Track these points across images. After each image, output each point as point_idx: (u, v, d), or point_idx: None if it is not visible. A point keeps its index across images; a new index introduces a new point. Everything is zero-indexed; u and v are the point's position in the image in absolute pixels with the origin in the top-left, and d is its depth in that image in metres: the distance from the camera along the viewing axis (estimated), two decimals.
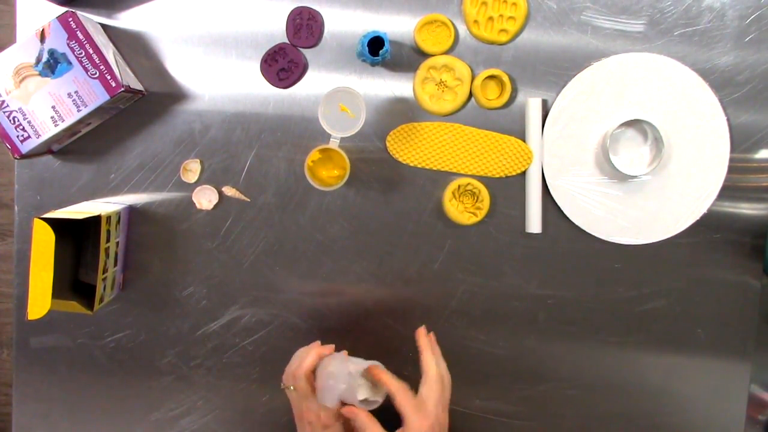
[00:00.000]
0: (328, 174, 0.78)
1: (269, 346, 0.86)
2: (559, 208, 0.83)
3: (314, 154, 0.76)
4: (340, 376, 0.66)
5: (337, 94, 0.74)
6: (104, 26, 0.81)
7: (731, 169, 0.82)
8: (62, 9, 0.77)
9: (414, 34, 0.81)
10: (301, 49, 0.82)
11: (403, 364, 0.87)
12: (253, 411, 0.88)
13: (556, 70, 0.82)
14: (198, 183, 0.84)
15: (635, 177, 0.81)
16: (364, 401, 0.68)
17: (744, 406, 0.87)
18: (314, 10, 0.81)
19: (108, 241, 0.77)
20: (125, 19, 0.82)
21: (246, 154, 0.83)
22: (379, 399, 0.69)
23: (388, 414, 0.68)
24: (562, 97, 0.82)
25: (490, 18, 0.80)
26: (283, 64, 0.81)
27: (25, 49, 0.74)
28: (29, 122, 0.75)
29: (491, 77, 0.81)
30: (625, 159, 0.82)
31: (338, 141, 0.75)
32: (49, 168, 0.83)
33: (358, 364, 0.68)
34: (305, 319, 0.86)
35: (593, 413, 0.89)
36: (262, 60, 0.82)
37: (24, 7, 0.81)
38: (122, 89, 0.75)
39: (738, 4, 0.81)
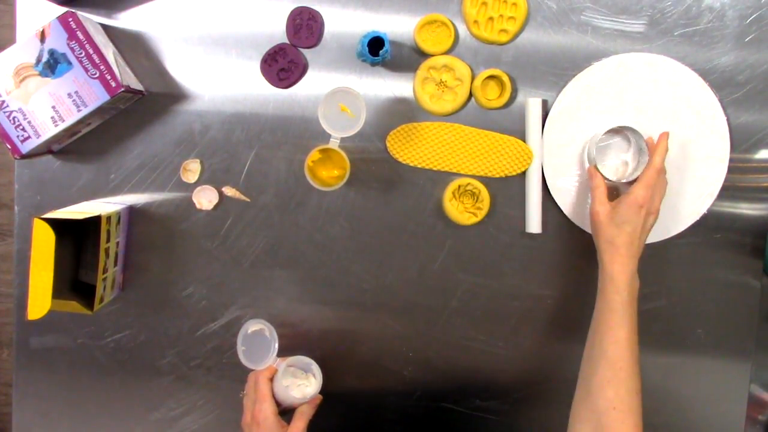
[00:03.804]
0: (328, 174, 0.78)
1: None
2: (559, 208, 0.83)
3: (314, 154, 0.76)
4: (282, 374, 0.75)
5: (337, 94, 0.74)
6: (104, 26, 0.81)
7: (731, 169, 0.82)
8: (62, 9, 0.77)
9: (414, 34, 0.81)
10: (301, 49, 0.82)
11: (404, 364, 0.87)
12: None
13: (556, 70, 0.82)
14: (198, 183, 0.84)
15: (619, 183, 0.81)
16: (299, 389, 0.76)
17: (744, 406, 0.87)
18: (314, 10, 0.81)
19: (108, 241, 0.77)
20: (125, 19, 0.82)
21: (246, 154, 0.83)
22: (306, 383, 0.77)
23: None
24: (562, 97, 0.82)
25: (490, 18, 0.80)
26: (283, 64, 0.81)
27: (25, 49, 0.74)
28: (29, 122, 0.75)
29: (491, 77, 0.81)
30: (611, 165, 0.82)
31: (338, 141, 0.75)
32: (49, 168, 0.83)
33: (292, 362, 0.77)
34: (305, 319, 0.86)
35: None
36: (262, 60, 0.82)
37: (24, 7, 0.81)
38: (122, 89, 0.75)
39: (738, 4, 0.81)
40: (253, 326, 0.76)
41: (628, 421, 0.66)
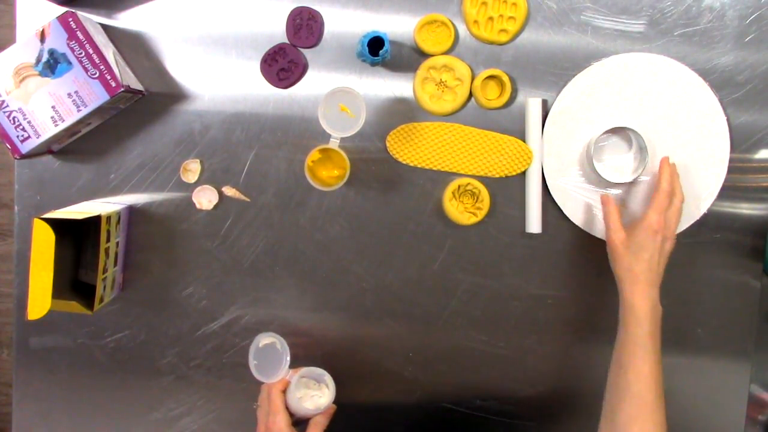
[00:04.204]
0: (328, 174, 0.78)
1: None
2: (559, 208, 0.83)
3: (314, 154, 0.76)
4: (295, 386, 0.75)
5: (337, 94, 0.74)
6: (104, 26, 0.81)
7: (731, 169, 0.82)
8: (62, 9, 0.77)
9: (414, 34, 0.81)
10: (301, 49, 0.82)
11: (404, 364, 0.87)
12: (253, 411, 0.88)
13: (556, 70, 0.82)
14: (198, 183, 0.84)
15: (620, 184, 0.81)
16: (312, 400, 0.76)
17: (744, 406, 0.87)
18: (314, 10, 0.81)
19: (108, 241, 0.77)
20: (125, 19, 0.82)
21: (246, 154, 0.83)
22: (319, 393, 0.76)
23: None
24: (562, 97, 0.82)
25: (490, 18, 0.80)
26: (283, 64, 0.81)
27: (25, 49, 0.74)
28: (29, 122, 0.75)
29: (491, 77, 0.81)
30: (610, 165, 0.82)
31: (338, 141, 0.75)
32: (49, 168, 0.83)
33: (305, 373, 0.77)
34: (305, 320, 0.86)
35: (593, 413, 0.88)
36: (262, 60, 0.82)
37: (24, 7, 0.81)
38: (122, 89, 0.75)
39: (738, 4, 0.81)
40: (264, 340, 0.77)
41: None
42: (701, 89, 0.81)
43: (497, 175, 0.83)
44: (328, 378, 0.76)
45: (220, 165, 0.83)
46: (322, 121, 0.74)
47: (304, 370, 0.76)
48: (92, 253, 0.82)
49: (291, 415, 0.74)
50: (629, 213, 0.83)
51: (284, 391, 0.75)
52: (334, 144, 0.75)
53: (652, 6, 0.81)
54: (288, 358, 0.75)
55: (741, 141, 0.83)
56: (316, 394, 0.76)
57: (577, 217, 0.83)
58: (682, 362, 0.87)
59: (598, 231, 0.84)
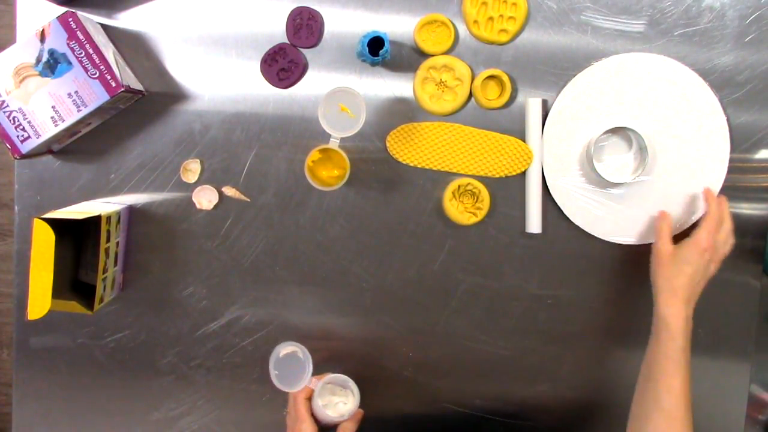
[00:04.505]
0: (328, 174, 0.78)
1: (269, 346, 0.86)
2: (559, 208, 0.83)
3: (314, 154, 0.76)
4: (318, 393, 0.75)
5: (337, 94, 0.74)
6: (104, 26, 0.81)
7: (731, 169, 0.82)
8: (62, 9, 0.77)
9: (414, 34, 0.81)
10: (301, 49, 0.82)
11: (404, 364, 0.87)
12: (253, 411, 0.88)
13: (556, 70, 0.82)
14: (198, 183, 0.84)
15: (620, 184, 0.81)
16: (334, 408, 0.77)
17: (744, 406, 0.87)
18: (314, 10, 0.81)
19: (108, 241, 0.77)
20: (125, 19, 0.82)
21: (246, 154, 0.83)
22: (344, 400, 0.77)
23: None
24: (562, 97, 0.82)
25: (490, 18, 0.80)
26: (283, 64, 0.81)
27: (25, 49, 0.74)
28: (29, 122, 0.75)
29: (491, 77, 0.81)
30: (611, 165, 0.82)
31: (338, 141, 0.75)
32: (49, 168, 0.83)
33: (329, 380, 0.77)
34: (305, 320, 0.86)
35: (593, 413, 0.89)
36: (262, 60, 0.82)
37: (24, 7, 0.81)
38: (122, 89, 0.75)
39: (738, 4, 0.81)
40: (284, 349, 0.77)
41: None
42: (701, 89, 0.81)
43: (497, 175, 0.83)
44: (352, 384, 0.77)
45: (220, 165, 0.83)
46: (322, 121, 0.74)
47: (329, 377, 0.76)
48: (92, 253, 0.82)
49: (317, 422, 0.75)
50: (630, 214, 0.83)
51: (310, 399, 0.76)
52: (334, 144, 0.75)
53: (652, 6, 0.81)
54: (311, 367, 0.75)
55: (741, 141, 0.83)
56: (341, 401, 0.76)
57: (577, 217, 0.83)
58: None
59: (598, 231, 0.84)
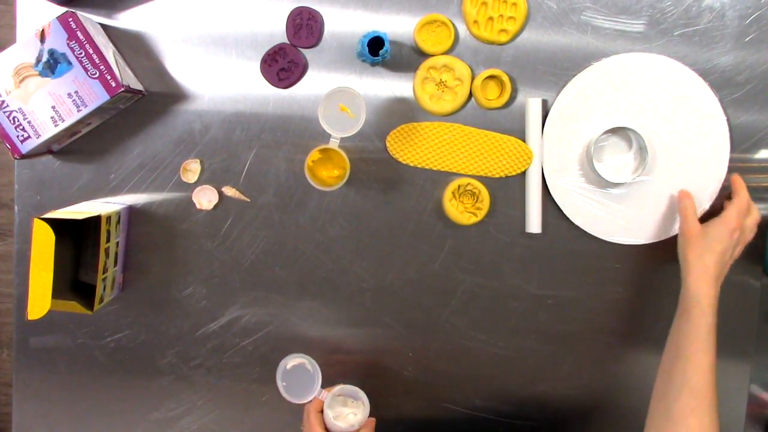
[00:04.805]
0: (328, 174, 0.78)
1: (269, 346, 0.86)
2: (559, 208, 0.83)
3: (314, 154, 0.76)
4: (328, 405, 0.75)
5: (337, 94, 0.74)
6: (104, 26, 0.81)
7: (731, 169, 0.82)
8: (62, 9, 0.77)
9: (414, 34, 0.81)
10: (301, 49, 0.82)
11: (404, 364, 0.87)
12: (253, 411, 0.88)
13: (556, 70, 0.82)
14: (198, 183, 0.84)
15: (620, 184, 0.81)
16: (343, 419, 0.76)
17: (744, 406, 0.87)
18: (314, 10, 0.81)
19: (108, 241, 0.77)
20: (125, 19, 0.82)
21: (246, 154, 0.83)
22: (355, 411, 0.76)
23: None
24: (562, 97, 0.82)
25: (490, 18, 0.80)
26: (283, 64, 0.81)
27: (25, 49, 0.74)
28: (29, 122, 0.75)
29: (491, 77, 0.81)
30: (610, 165, 0.82)
31: (338, 141, 0.75)
32: (49, 168, 0.83)
33: (338, 391, 0.77)
34: (305, 320, 0.86)
35: (593, 413, 0.89)
36: (262, 60, 0.82)
37: (24, 7, 0.81)
38: (122, 89, 0.75)
39: (738, 4, 0.81)
40: (292, 361, 0.77)
41: None
42: (701, 89, 0.81)
43: (497, 175, 0.83)
44: (362, 394, 0.76)
45: (220, 165, 0.83)
46: (322, 121, 0.74)
47: (338, 388, 0.76)
48: (92, 253, 0.82)
49: None
50: (630, 214, 0.83)
51: (322, 411, 0.76)
52: (334, 144, 0.75)
53: (652, 6, 0.81)
54: (320, 379, 0.76)
55: (741, 141, 0.83)
56: (352, 412, 0.76)
57: (577, 217, 0.83)
58: None
59: (598, 231, 0.84)
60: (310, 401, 0.76)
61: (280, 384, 0.76)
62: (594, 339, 0.87)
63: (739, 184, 0.79)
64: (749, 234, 0.77)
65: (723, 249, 0.73)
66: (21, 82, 0.75)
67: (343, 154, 0.75)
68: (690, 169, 0.82)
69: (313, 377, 0.76)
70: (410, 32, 0.81)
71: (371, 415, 0.76)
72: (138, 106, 0.82)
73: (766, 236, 0.84)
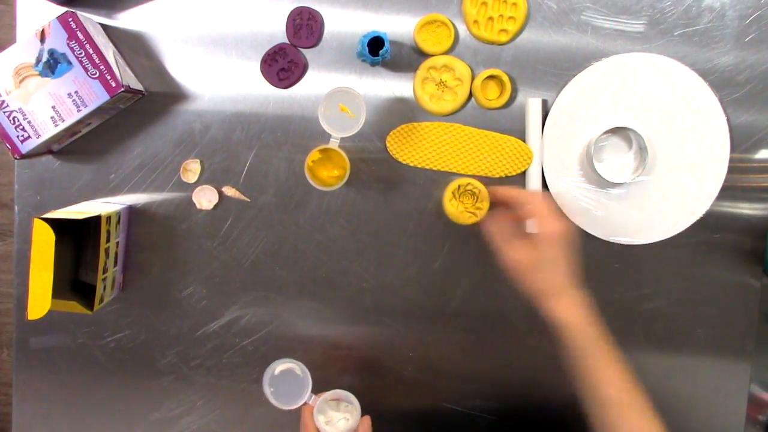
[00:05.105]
0: (328, 174, 0.78)
1: (269, 346, 0.86)
2: (559, 208, 0.83)
3: (314, 154, 0.76)
4: (318, 409, 0.75)
5: (337, 94, 0.74)
6: (104, 26, 0.81)
7: (731, 169, 0.82)
8: (62, 9, 0.77)
9: (414, 34, 0.81)
10: (301, 49, 0.82)
11: (403, 364, 0.87)
12: (253, 411, 0.88)
13: (556, 70, 0.82)
14: (198, 183, 0.84)
15: (620, 184, 0.81)
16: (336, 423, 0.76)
17: (744, 406, 0.87)
18: (314, 10, 0.81)
19: (108, 241, 0.77)
20: (125, 19, 0.82)
21: (246, 154, 0.83)
22: (347, 415, 0.76)
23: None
24: (562, 97, 0.82)
25: (490, 18, 0.80)
26: (283, 64, 0.81)
27: (25, 49, 0.74)
28: (29, 122, 0.75)
29: (491, 77, 0.81)
30: (611, 165, 0.82)
31: (338, 141, 0.75)
32: (49, 168, 0.83)
33: (330, 396, 0.76)
34: (305, 319, 0.86)
35: None
36: (262, 60, 0.82)
37: (24, 7, 0.81)
38: (122, 89, 0.75)
39: (738, 4, 0.81)
40: (280, 366, 0.76)
41: None
42: (701, 89, 0.81)
43: (497, 175, 0.83)
44: (353, 398, 0.76)
45: (220, 165, 0.83)
46: (322, 121, 0.74)
47: (330, 393, 0.76)
48: (92, 253, 0.82)
49: None
50: (630, 214, 0.83)
51: None
52: (334, 144, 0.75)
53: (652, 6, 0.81)
54: (310, 383, 0.75)
55: (741, 141, 0.83)
56: (343, 417, 0.76)
57: (577, 217, 0.83)
58: (682, 362, 0.87)
59: (598, 231, 0.84)
60: (302, 406, 0.75)
61: (267, 390, 0.75)
62: None
63: (502, 195, 0.74)
64: (562, 225, 0.70)
65: (557, 266, 0.68)
66: (21, 82, 0.75)
67: (343, 154, 0.75)
68: (690, 169, 0.82)
69: (303, 382, 0.75)
70: (410, 32, 0.81)
71: (368, 413, 0.76)
72: (138, 106, 0.82)
73: (766, 236, 0.84)
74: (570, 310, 0.68)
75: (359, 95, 0.74)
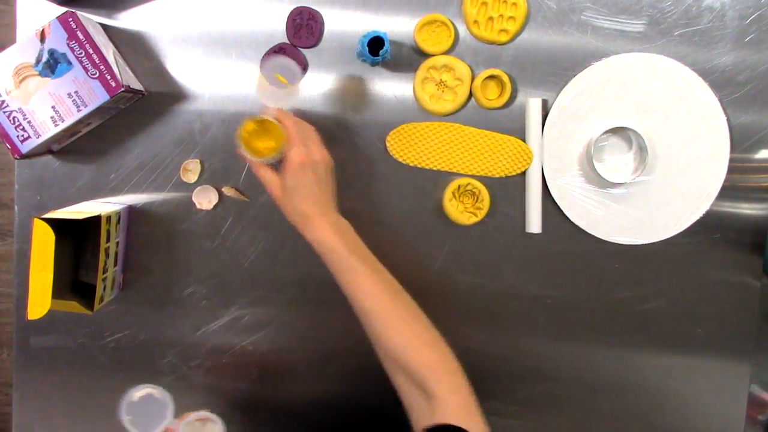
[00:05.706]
0: (264, 146, 0.74)
1: (269, 346, 0.86)
2: (559, 208, 0.83)
3: (249, 125, 0.72)
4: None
5: (274, 65, 0.73)
6: (104, 26, 0.81)
7: (731, 169, 0.82)
8: (62, 9, 0.77)
9: (414, 34, 0.81)
10: (301, 49, 0.82)
11: None
12: (253, 411, 0.88)
13: (556, 70, 0.82)
14: (198, 183, 0.84)
15: (620, 184, 0.81)
16: None
17: (744, 406, 0.87)
18: (314, 10, 0.81)
19: (108, 241, 0.77)
20: (125, 19, 0.82)
21: None
22: None
23: None
24: (562, 97, 0.82)
25: (490, 18, 0.80)
26: None
27: (25, 49, 0.74)
28: (29, 122, 0.75)
29: (491, 77, 0.81)
30: (611, 165, 0.82)
31: (275, 111, 0.73)
32: (49, 168, 0.83)
33: (192, 417, 0.74)
34: (305, 319, 0.86)
35: (593, 413, 0.89)
36: (262, 60, 0.82)
37: (24, 7, 0.81)
38: (122, 89, 0.75)
39: (738, 4, 0.81)
40: (139, 392, 0.72)
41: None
42: (701, 89, 0.81)
43: (497, 175, 0.83)
44: (215, 417, 0.73)
45: (220, 165, 0.83)
46: (258, 93, 0.71)
47: (192, 416, 0.73)
48: (92, 253, 0.82)
49: None
50: (630, 214, 0.83)
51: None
52: (270, 115, 0.72)
53: (652, 6, 0.81)
54: (171, 407, 0.71)
55: (741, 141, 0.83)
56: None
57: (577, 217, 0.83)
58: (682, 362, 0.87)
59: (598, 231, 0.84)
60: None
61: (125, 418, 0.71)
62: (594, 339, 0.87)
63: (281, 117, 0.73)
64: (315, 148, 0.72)
65: (308, 191, 0.71)
66: (21, 82, 0.75)
67: (278, 124, 0.72)
68: (690, 169, 0.82)
69: (163, 407, 0.71)
70: (410, 32, 0.81)
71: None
72: (138, 106, 0.82)
73: (766, 236, 0.84)
74: (322, 232, 0.71)
75: (294, 65, 0.72)
